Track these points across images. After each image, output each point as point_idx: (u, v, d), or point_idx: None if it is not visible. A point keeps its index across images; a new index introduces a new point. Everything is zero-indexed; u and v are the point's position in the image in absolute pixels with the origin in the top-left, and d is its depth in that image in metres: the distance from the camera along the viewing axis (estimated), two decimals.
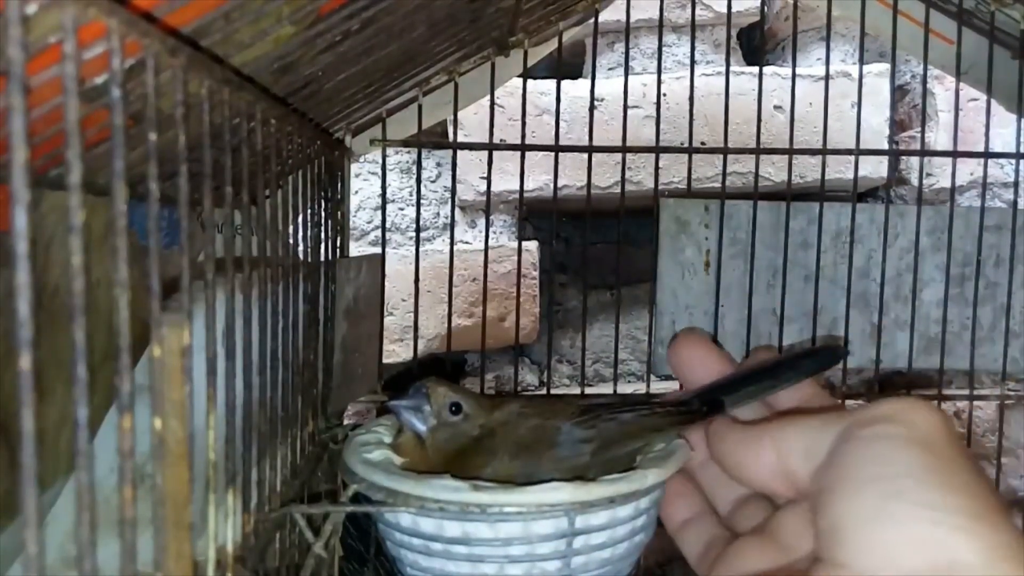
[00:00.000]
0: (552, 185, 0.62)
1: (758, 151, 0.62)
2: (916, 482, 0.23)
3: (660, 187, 0.62)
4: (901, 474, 0.23)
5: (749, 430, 0.30)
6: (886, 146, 0.93)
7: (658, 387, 0.66)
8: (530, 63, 0.60)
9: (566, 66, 0.84)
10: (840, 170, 0.88)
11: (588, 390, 0.83)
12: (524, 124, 0.61)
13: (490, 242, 0.64)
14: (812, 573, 0.24)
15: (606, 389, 0.71)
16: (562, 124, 0.62)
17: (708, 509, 0.35)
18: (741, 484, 0.32)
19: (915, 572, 0.22)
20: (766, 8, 1.03)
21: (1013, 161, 0.64)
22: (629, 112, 0.62)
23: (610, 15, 0.66)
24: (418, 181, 0.61)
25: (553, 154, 0.61)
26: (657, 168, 0.62)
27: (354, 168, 0.96)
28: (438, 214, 1.02)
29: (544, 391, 0.70)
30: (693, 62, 0.63)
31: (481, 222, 0.99)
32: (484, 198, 0.74)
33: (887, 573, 0.22)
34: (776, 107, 0.92)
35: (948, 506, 0.22)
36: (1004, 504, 0.23)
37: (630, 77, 0.64)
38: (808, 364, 0.36)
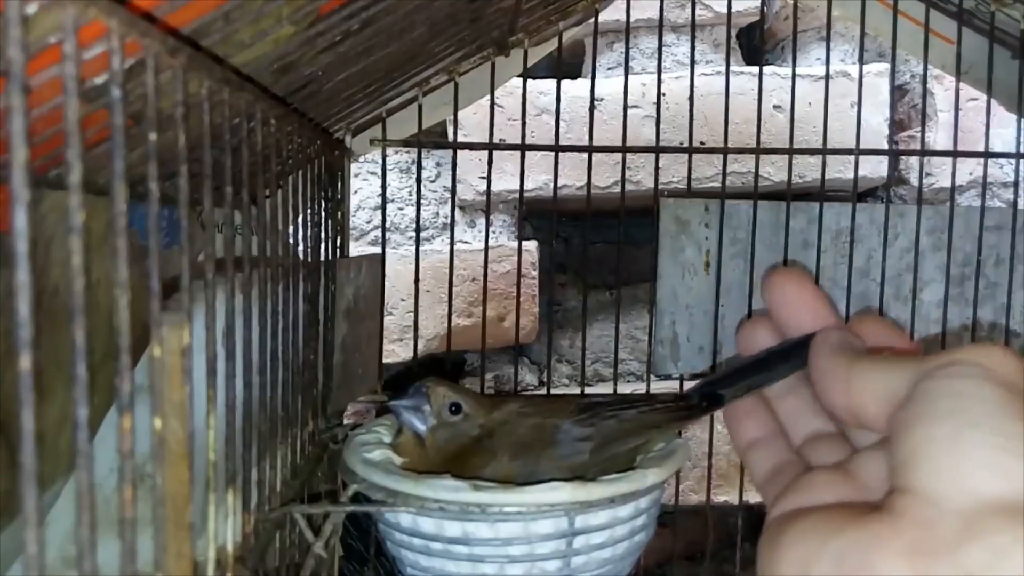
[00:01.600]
0: (552, 185, 0.62)
1: (758, 151, 0.62)
2: (992, 414, 0.23)
3: (660, 187, 0.62)
4: (978, 406, 0.23)
5: (834, 359, 0.29)
6: (886, 146, 0.93)
7: (658, 387, 0.66)
8: (530, 63, 0.60)
9: (566, 66, 0.84)
10: (840, 170, 0.88)
11: (588, 390, 0.83)
12: (524, 124, 0.61)
13: (490, 242, 0.64)
14: (883, 501, 0.24)
15: (606, 389, 0.71)
16: (562, 124, 0.62)
17: (779, 434, 0.34)
18: (814, 421, 0.31)
19: (987, 498, 0.22)
20: (766, 8, 1.03)
21: (1013, 161, 0.64)
22: (629, 112, 0.62)
23: (610, 15, 0.66)
24: (418, 181, 0.61)
25: (553, 154, 0.61)
26: (657, 168, 0.62)
27: (354, 168, 0.96)
28: (438, 214, 1.02)
29: (544, 391, 0.70)
30: (693, 62, 0.63)
31: (481, 222, 0.99)
32: (484, 198, 0.74)
33: (958, 497, 0.22)
34: (776, 107, 0.92)
35: (1021, 436, 0.22)
36: None
37: (630, 77, 0.64)
38: (807, 352, 0.36)
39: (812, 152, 0.63)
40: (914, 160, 0.97)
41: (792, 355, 0.36)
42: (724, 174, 0.62)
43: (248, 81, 0.30)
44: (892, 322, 0.35)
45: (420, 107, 0.59)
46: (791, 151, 0.61)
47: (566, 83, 0.88)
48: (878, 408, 0.27)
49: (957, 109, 0.66)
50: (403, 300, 0.88)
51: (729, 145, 0.61)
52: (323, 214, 0.48)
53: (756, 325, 0.34)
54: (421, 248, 0.74)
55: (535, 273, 0.94)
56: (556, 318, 1.02)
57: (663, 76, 0.62)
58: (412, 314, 0.62)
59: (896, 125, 1.02)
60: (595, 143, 0.62)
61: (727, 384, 0.35)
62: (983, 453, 0.22)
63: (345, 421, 0.54)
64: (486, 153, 0.60)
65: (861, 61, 0.65)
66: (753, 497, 0.86)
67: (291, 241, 0.40)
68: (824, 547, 0.24)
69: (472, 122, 0.86)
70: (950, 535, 0.22)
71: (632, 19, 0.66)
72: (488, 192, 0.61)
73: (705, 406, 0.35)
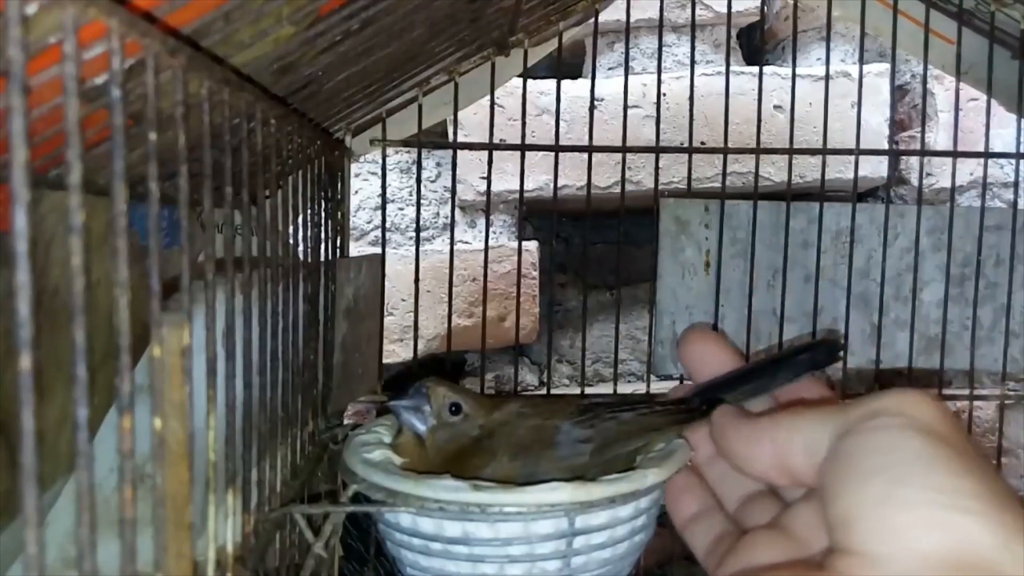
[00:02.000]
0: (552, 185, 0.62)
1: (758, 151, 0.62)
2: (922, 468, 0.23)
3: (660, 187, 0.62)
4: (907, 461, 0.23)
5: (749, 425, 0.30)
6: (886, 146, 0.93)
7: (658, 387, 0.66)
8: (530, 63, 0.60)
9: (566, 66, 0.84)
10: (840, 170, 0.88)
11: (588, 390, 0.83)
12: (524, 124, 0.61)
13: (490, 242, 0.64)
14: (826, 562, 0.24)
15: (606, 389, 0.71)
16: (562, 124, 0.62)
17: (715, 504, 0.34)
18: (744, 476, 0.32)
19: (929, 553, 0.22)
20: (766, 8, 1.03)
21: (1013, 161, 0.64)
22: (629, 112, 0.62)
23: (610, 15, 0.66)
24: (418, 181, 0.61)
25: (553, 154, 0.61)
26: (657, 168, 0.62)
27: (354, 168, 0.96)
28: (438, 214, 1.02)
29: (544, 391, 0.70)
30: (693, 62, 0.63)
31: (481, 222, 0.99)
32: (484, 198, 0.74)
33: (901, 556, 0.22)
34: (776, 107, 0.92)
35: (956, 489, 0.22)
36: (1009, 488, 0.23)
37: (630, 77, 0.64)
38: (806, 360, 0.36)
39: (812, 152, 0.63)
40: (914, 160, 0.97)
41: (792, 362, 0.36)
42: (724, 174, 0.62)
43: (248, 81, 0.30)
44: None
45: (420, 107, 0.59)
46: (791, 151, 0.61)
47: (566, 83, 0.88)
48: (805, 460, 0.27)
49: (957, 109, 0.66)
50: (403, 300, 0.88)
51: (729, 145, 0.61)
52: (323, 214, 0.48)
53: (680, 392, 0.37)
54: (421, 248, 0.74)
55: (535, 273, 0.94)
56: (556, 318, 1.02)
57: (663, 76, 0.62)
58: (412, 314, 0.62)
59: (896, 125, 1.02)
60: (595, 143, 0.62)
61: (727, 388, 0.35)
62: (918, 512, 0.22)
63: (345, 421, 0.54)
64: (486, 153, 0.60)
65: (861, 61, 0.66)
66: None
67: (291, 241, 0.40)
68: None
69: (472, 122, 0.86)
70: None
71: (632, 19, 0.66)
72: (488, 192, 0.61)
73: (705, 410, 0.35)
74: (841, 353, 0.33)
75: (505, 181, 0.88)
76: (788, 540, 0.28)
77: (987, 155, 0.63)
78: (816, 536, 0.27)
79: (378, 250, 0.61)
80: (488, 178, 0.59)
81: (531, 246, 0.94)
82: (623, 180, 0.62)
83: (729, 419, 0.31)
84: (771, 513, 0.31)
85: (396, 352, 0.87)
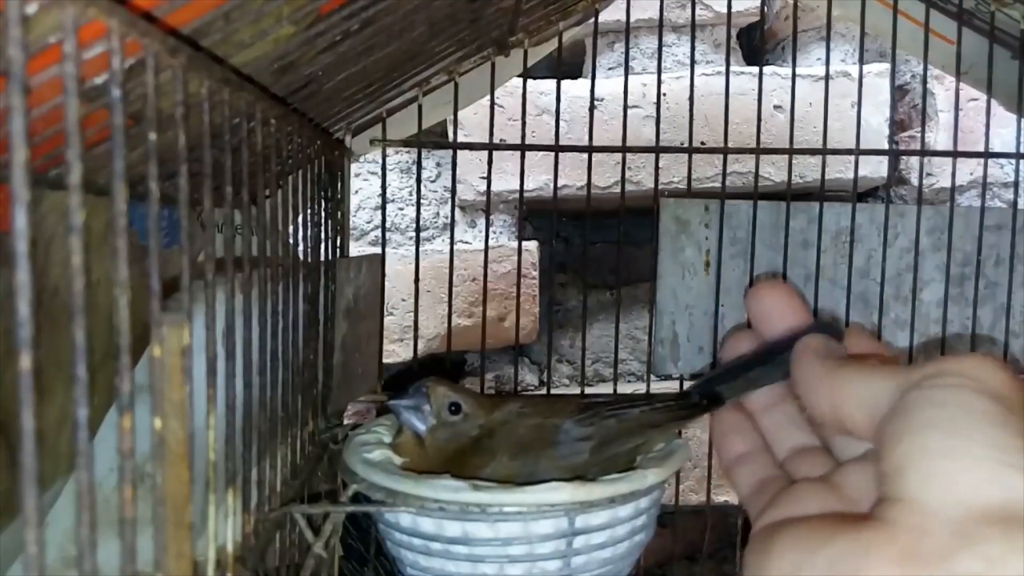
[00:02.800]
0: (552, 185, 0.62)
1: (758, 151, 0.62)
2: (982, 424, 0.23)
3: (660, 187, 0.62)
4: (967, 416, 0.23)
5: (817, 365, 0.29)
6: (886, 146, 0.93)
7: (658, 387, 0.66)
8: (530, 63, 0.60)
9: (566, 66, 0.84)
10: (840, 170, 0.88)
11: (588, 390, 0.83)
12: (524, 124, 0.61)
13: (490, 242, 0.64)
14: (872, 511, 0.24)
15: (606, 389, 0.71)
16: (562, 124, 0.62)
17: (764, 449, 0.34)
18: (798, 435, 0.32)
19: (979, 507, 0.22)
20: (766, 8, 1.03)
21: (1013, 161, 0.64)
22: (629, 112, 0.62)
23: (610, 15, 0.66)
24: (418, 181, 0.61)
25: (553, 154, 0.61)
26: (657, 168, 0.62)
27: (354, 168, 0.96)
28: (438, 214, 1.02)
29: (544, 391, 0.70)
30: (693, 62, 0.63)
31: (481, 222, 0.99)
32: (484, 198, 0.74)
33: (950, 505, 0.22)
34: (776, 107, 0.92)
35: (1012, 447, 0.22)
36: None
37: (630, 77, 0.64)
38: None
39: (812, 152, 0.63)
40: (914, 160, 0.97)
41: (790, 348, 0.36)
42: (724, 174, 0.62)
43: (248, 81, 0.30)
44: (874, 337, 0.35)
45: (420, 107, 0.59)
46: (791, 151, 0.61)
47: (566, 83, 0.88)
48: (862, 415, 0.27)
49: (957, 109, 0.66)
50: (403, 300, 0.88)
51: (729, 145, 0.61)
52: (323, 214, 0.48)
53: (739, 336, 0.35)
54: (421, 248, 0.74)
55: (535, 273, 0.94)
56: (556, 318, 1.02)
57: (663, 76, 0.62)
58: (412, 314, 0.62)
59: (896, 125, 1.02)
60: (595, 143, 0.62)
61: (727, 381, 0.35)
62: (973, 463, 0.22)
63: (345, 421, 0.54)
64: (486, 153, 0.60)
65: (861, 61, 0.65)
66: None
67: (291, 241, 0.40)
68: (815, 554, 0.24)
69: (472, 122, 0.86)
70: (942, 543, 0.22)
71: (632, 19, 0.66)
72: (488, 192, 0.61)
73: (706, 405, 0.35)
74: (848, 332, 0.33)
75: (505, 181, 0.88)
76: (837, 496, 0.28)
77: (987, 155, 0.63)
78: (867, 498, 0.27)
79: (378, 250, 0.61)
80: (488, 178, 0.59)
81: (531, 246, 0.94)
82: (623, 180, 0.62)
83: (804, 352, 0.30)
84: (821, 469, 0.31)
85: (396, 352, 0.87)
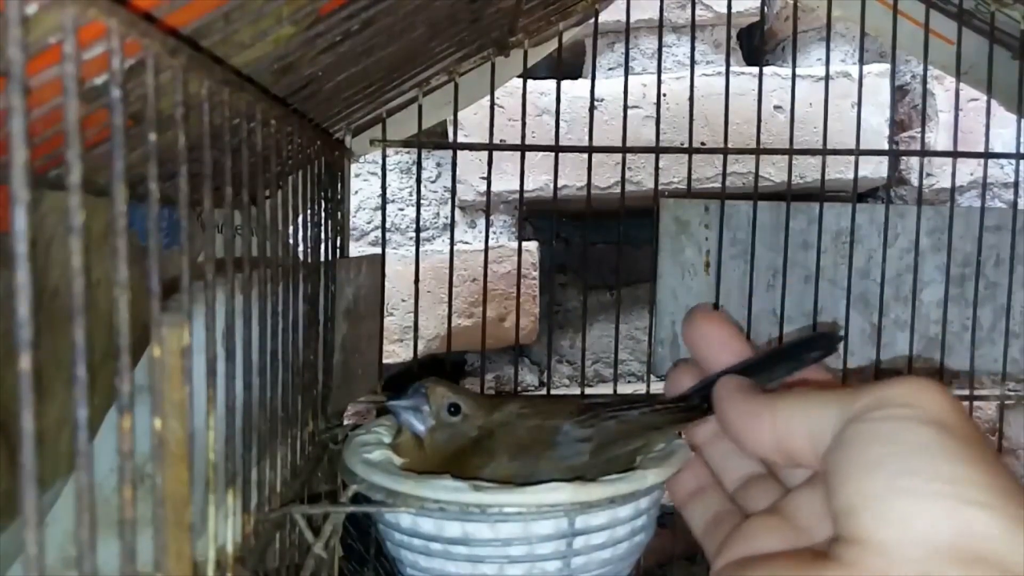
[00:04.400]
0: (552, 185, 0.62)
1: (758, 151, 0.62)
2: (929, 458, 0.23)
3: (660, 187, 0.62)
4: (914, 451, 0.23)
5: (750, 401, 0.29)
6: (886, 146, 0.93)
7: (658, 387, 0.66)
8: (530, 63, 0.60)
9: (566, 66, 0.84)
10: (840, 170, 0.88)
11: (588, 390, 0.83)
12: (524, 124, 0.61)
13: (490, 242, 0.64)
14: (831, 551, 0.24)
15: (606, 389, 0.71)
16: (562, 124, 0.62)
17: (715, 483, 0.34)
18: (743, 454, 0.32)
19: (935, 543, 0.22)
20: (766, 8, 1.03)
21: (1013, 161, 0.64)
22: (629, 112, 0.62)
23: (610, 15, 0.66)
24: (418, 181, 0.61)
25: (553, 154, 0.61)
26: (657, 168, 0.62)
27: (354, 168, 0.96)
28: (438, 214, 1.02)
29: (544, 391, 0.70)
30: (693, 62, 0.63)
31: (481, 222, 0.99)
32: (484, 198, 0.74)
33: (907, 544, 0.22)
34: (776, 107, 0.92)
35: (964, 480, 0.22)
36: (1017, 481, 0.23)
37: (630, 77, 0.64)
38: (806, 353, 0.36)
39: (812, 152, 0.63)
40: (914, 160, 0.97)
41: (791, 355, 0.36)
42: (724, 174, 0.62)
43: (248, 82, 0.30)
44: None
45: (420, 107, 0.59)
46: (791, 151, 0.61)
47: (566, 83, 0.88)
48: (808, 444, 0.27)
49: (957, 109, 0.66)
50: (403, 300, 0.88)
51: (729, 145, 0.61)
52: (323, 214, 0.48)
53: (680, 371, 0.36)
54: (421, 248, 0.74)
55: (535, 273, 0.94)
56: (556, 318, 1.02)
57: (663, 76, 0.62)
58: (412, 314, 0.62)
59: (896, 125, 1.02)
60: (595, 143, 0.62)
61: None
62: (927, 501, 0.22)
63: (345, 421, 0.54)
64: (486, 153, 0.60)
65: (861, 61, 0.65)
66: None
67: (291, 241, 0.40)
68: None
69: (472, 122, 0.86)
70: None
71: (632, 19, 0.66)
72: (488, 192, 0.61)
73: (706, 407, 0.35)
74: (840, 345, 0.33)
75: (505, 181, 0.88)
76: (790, 527, 0.28)
77: (987, 155, 0.63)
78: (818, 524, 0.27)
79: (378, 250, 0.61)
80: (488, 178, 0.59)
81: (531, 246, 0.94)
82: (623, 180, 0.62)
83: (731, 392, 0.30)
84: (771, 496, 0.31)
85: (396, 352, 0.87)
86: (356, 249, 0.94)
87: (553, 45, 0.61)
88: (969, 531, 0.22)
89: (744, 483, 0.33)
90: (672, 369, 0.37)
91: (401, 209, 1.00)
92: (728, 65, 0.66)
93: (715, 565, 0.29)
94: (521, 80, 0.61)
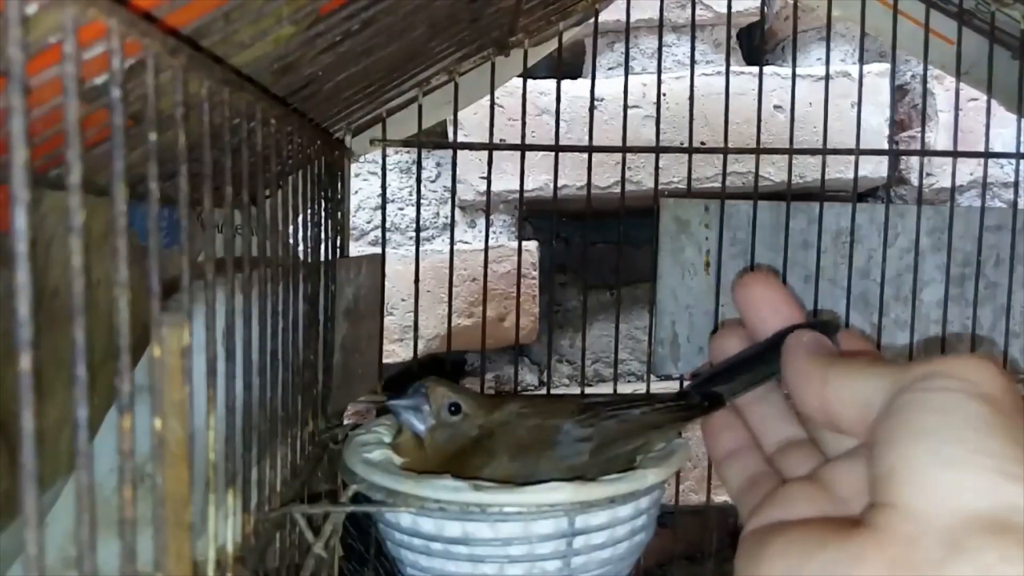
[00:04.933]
0: (552, 185, 0.62)
1: (758, 151, 0.62)
2: (975, 430, 0.23)
3: (660, 187, 0.62)
4: (960, 422, 0.23)
5: (810, 362, 0.29)
6: (886, 146, 0.93)
7: (658, 387, 0.66)
8: (530, 63, 0.60)
9: (566, 66, 0.84)
10: (840, 170, 0.88)
11: (588, 390, 0.83)
12: (524, 124, 0.61)
13: (490, 242, 0.64)
14: (864, 516, 0.24)
15: (606, 389, 0.71)
16: (562, 124, 0.62)
17: (753, 444, 0.34)
18: (786, 428, 0.31)
19: (971, 515, 0.22)
20: (766, 8, 1.03)
21: (1013, 161, 0.64)
22: (629, 112, 0.62)
23: (610, 15, 0.66)
24: (418, 181, 0.61)
25: (553, 154, 0.61)
26: (657, 168, 0.62)
27: (354, 168, 0.96)
28: (438, 214, 1.02)
29: (544, 391, 0.70)
30: (693, 62, 0.63)
31: (481, 222, 0.99)
32: (484, 198, 0.74)
33: (941, 513, 0.22)
34: (776, 107, 0.92)
35: (1008, 456, 0.22)
36: None
37: (630, 77, 0.64)
38: None
39: (812, 152, 0.63)
40: (914, 160, 0.97)
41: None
42: (724, 174, 0.62)
43: (248, 81, 0.30)
44: (869, 339, 0.35)
45: (420, 107, 0.59)
46: (791, 151, 0.61)
47: (566, 83, 0.88)
48: (854, 413, 0.27)
49: (957, 109, 0.66)
50: (403, 300, 0.88)
51: (729, 145, 0.61)
52: (323, 214, 0.48)
53: (727, 333, 0.35)
54: (421, 248, 0.74)
55: (535, 273, 0.94)
56: (556, 318, 1.02)
57: (663, 76, 0.62)
58: (412, 314, 0.62)
59: (896, 125, 1.02)
60: (595, 143, 0.62)
61: (726, 380, 0.35)
62: (966, 471, 0.22)
63: (345, 421, 0.54)
64: (486, 153, 0.60)
65: (861, 61, 0.65)
66: None
67: (291, 241, 0.40)
68: (807, 561, 0.24)
69: (472, 122, 0.86)
70: (934, 552, 0.22)
71: (632, 19, 0.66)
72: (488, 192, 0.61)
73: (706, 406, 0.35)
74: (838, 334, 0.32)
75: (505, 181, 0.88)
76: (827, 496, 0.28)
77: (987, 155, 0.63)
78: (856, 497, 0.27)
79: (378, 250, 0.61)
80: (488, 178, 0.59)
81: (531, 246, 0.94)
82: (623, 180, 0.62)
83: (797, 348, 0.30)
84: (810, 463, 0.30)
85: (396, 352, 0.87)
86: (356, 249, 0.94)
87: (553, 45, 0.61)
88: (1007, 504, 0.22)
89: (783, 447, 0.32)
90: (719, 332, 0.36)
91: (401, 209, 1.00)
92: (728, 65, 0.66)
93: (747, 527, 0.29)
94: (521, 80, 0.61)
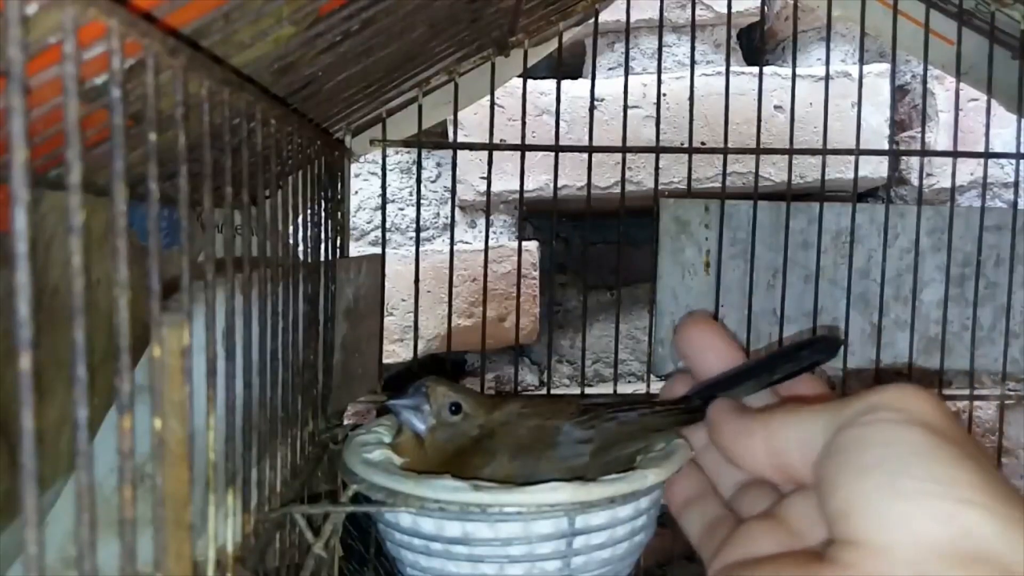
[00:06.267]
0: (552, 185, 0.62)
1: (758, 151, 0.62)
2: (921, 459, 0.23)
3: (660, 187, 0.62)
4: (905, 453, 0.23)
5: (743, 420, 0.30)
6: (886, 146, 0.93)
7: (658, 387, 0.66)
8: (530, 63, 0.60)
9: (566, 66, 0.84)
10: (840, 170, 0.88)
11: (588, 390, 0.83)
12: (524, 124, 0.61)
13: (490, 242, 0.64)
14: (828, 554, 0.24)
15: (606, 389, 0.71)
16: (562, 124, 0.62)
17: (710, 490, 0.34)
18: (739, 471, 0.32)
19: (931, 543, 0.22)
20: (766, 8, 1.03)
21: (1013, 161, 0.64)
22: (629, 112, 0.62)
23: (610, 15, 0.66)
24: (418, 181, 0.61)
25: (553, 154, 0.61)
26: (657, 168, 0.62)
27: (354, 168, 0.96)
28: (438, 214, 1.02)
29: (544, 391, 0.70)
30: (693, 62, 0.63)
31: (481, 222, 0.99)
32: (484, 198, 0.74)
33: (904, 544, 0.22)
34: (776, 107, 0.92)
35: (956, 480, 0.22)
36: (1008, 482, 0.23)
37: (630, 77, 0.64)
38: (807, 356, 0.36)
39: (812, 152, 0.63)
40: (914, 160, 0.97)
41: (792, 358, 0.36)
42: (724, 174, 0.62)
43: (248, 81, 0.30)
44: (822, 379, 0.36)
45: (420, 107, 0.59)
46: (791, 151, 0.61)
47: (566, 83, 0.88)
48: (801, 458, 0.27)
49: (957, 109, 0.66)
50: (403, 300, 0.88)
51: (729, 145, 0.61)
52: (323, 214, 0.48)
53: (675, 381, 0.37)
54: (421, 248, 0.74)
55: (535, 273, 0.94)
56: (556, 318, 1.02)
57: (663, 76, 0.62)
58: (412, 314, 0.62)
59: (897, 125, 1.02)
60: (595, 143, 0.62)
61: (727, 387, 0.35)
62: (921, 501, 0.22)
63: (345, 421, 0.54)
64: (486, 153, 0.60)
65: (861, 61, 0.65)
66: None
67: (291, 241, 0.40)
68: None
69: (472, 122, 0.86)
70: None
71: (632, 19, 0.66)
72: (488, 192, 0.61)
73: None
74: (841, 349, 0.33)
75: (505, 181, 0.88)
76: (784, 531, 0.28)
77: (987, 155, 0.63)
78: (812, 528, 0.27)
79: (378, 250, 0.61)
80: (488, 178, 0.59)
81: (531, 246, 0.94)
82: (623, 180, 0.62)
83: (723, 414, 0.31)
84: (766, 501, 0.31)
85: (396, 352, 0.87)
86: (356, 249, 0.94)
87: (553, 45, 0.61)
88: (966, 531, 0.22)
89: (739, 489, 0.33)
90: (668, 380, 0.38)
91: (401, 209, 1.00)
92: (728, 65, 0.66)
93: (711, 568, 0.29)
94: (521, 80, 0.61)
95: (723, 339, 0.35)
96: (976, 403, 0.65)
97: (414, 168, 0.95)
